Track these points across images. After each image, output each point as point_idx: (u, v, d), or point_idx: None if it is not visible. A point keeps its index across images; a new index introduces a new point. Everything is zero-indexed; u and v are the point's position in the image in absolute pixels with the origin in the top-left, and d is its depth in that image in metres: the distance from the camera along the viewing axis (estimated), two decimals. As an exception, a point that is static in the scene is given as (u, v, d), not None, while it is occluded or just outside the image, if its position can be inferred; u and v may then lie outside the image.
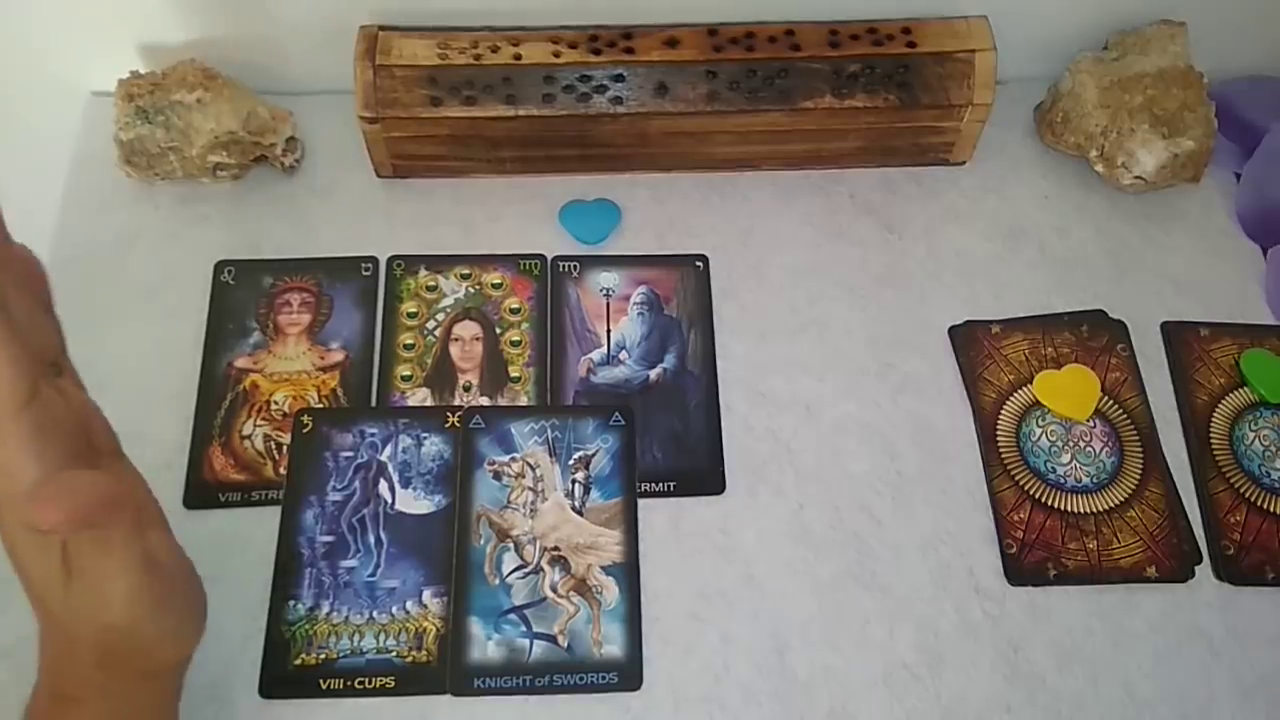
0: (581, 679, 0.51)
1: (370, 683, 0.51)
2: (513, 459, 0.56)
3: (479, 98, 0.60)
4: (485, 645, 0.51)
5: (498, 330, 0.60)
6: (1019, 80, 0.68)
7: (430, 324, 0.60)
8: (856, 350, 0.61)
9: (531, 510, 0.55)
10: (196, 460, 0.56)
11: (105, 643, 0.39)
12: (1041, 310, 0.62)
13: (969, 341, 0.61)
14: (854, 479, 0.57)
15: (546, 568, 0.53)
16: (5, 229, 0.36)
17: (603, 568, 0.53)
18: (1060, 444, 0.58)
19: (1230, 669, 0.52)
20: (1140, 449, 0.58)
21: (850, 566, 0.54)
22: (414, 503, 0.55)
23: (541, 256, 0.63)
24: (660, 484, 0.56)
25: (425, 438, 0.56)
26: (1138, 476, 0.57)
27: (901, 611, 0.53)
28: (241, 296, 0.61)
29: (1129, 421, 0.59)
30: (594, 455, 0.56)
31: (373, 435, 0.56)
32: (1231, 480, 0.57)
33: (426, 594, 0.53)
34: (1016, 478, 0.57)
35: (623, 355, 0.60)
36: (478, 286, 0.62)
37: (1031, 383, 0.59)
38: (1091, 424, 0.59)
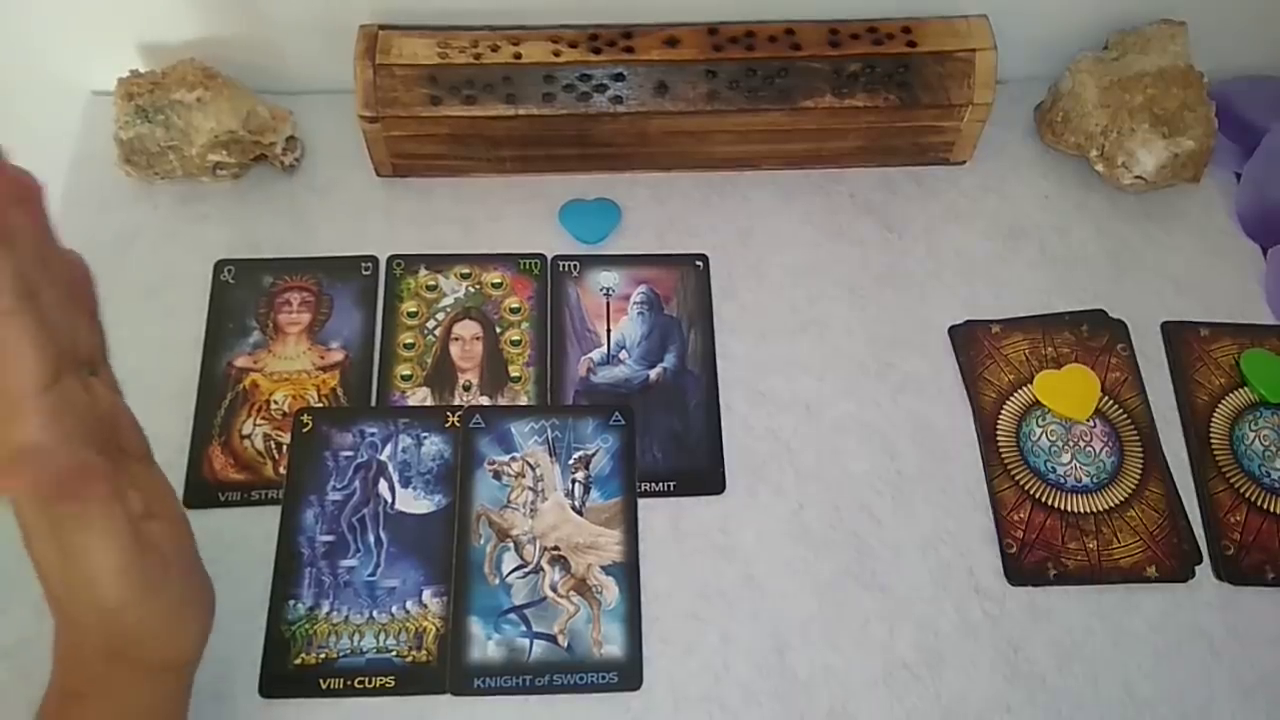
0: (581, 679, 0.51)
1: (370, 682, 0.51)
2: (513, 459, 0.56)
3: (479, 97, 0.60)
4: (485, 645, 0.51)
5: (498, 330, 0.60)
6: (1019, 80, 0.68)
7: (430, 323, 0.60)
8: (856, 350, 0.61)
9: (531, 510, 0.55)
10: (196, 459, 0.56)
11: (105, 629, 0.39)
12: (1041, 310, 0.62)
13: (969, 341, 0.61)
14: (854, 479, 0.57)
15: (546, 567, 0.53)
16: (50, 233, 0.37)
17: (603, 567, 0.53)
18: (1060, 444, 0.58)
19: (1230, 669, 0.52)
20: (1140, 449, 0.58)
21: (850, 566, 0.54)
22: (414, 502, 0.55)
23: (541, 256, 0.63)
24: (660, 484, 0.56)
25: (425, 437, 0.56)
26: (1138, 476, 0.57)
27: (901, 611, 0.53)
28: (241, 296, 0.61)
29: (1129, 421, 0.59)
30: (594, 455, 0.56)
31: (373, 435, 0.56)
32: (1231, 480, 0.57)
33: (426, 594, 0.53)
34: (1016, 477, 0.57)
35: (623, 355, 0.60)
36: (478, 286, 0.62)
37: (1031, 382, 0.59)
38: (1091, 424, 0.59)
